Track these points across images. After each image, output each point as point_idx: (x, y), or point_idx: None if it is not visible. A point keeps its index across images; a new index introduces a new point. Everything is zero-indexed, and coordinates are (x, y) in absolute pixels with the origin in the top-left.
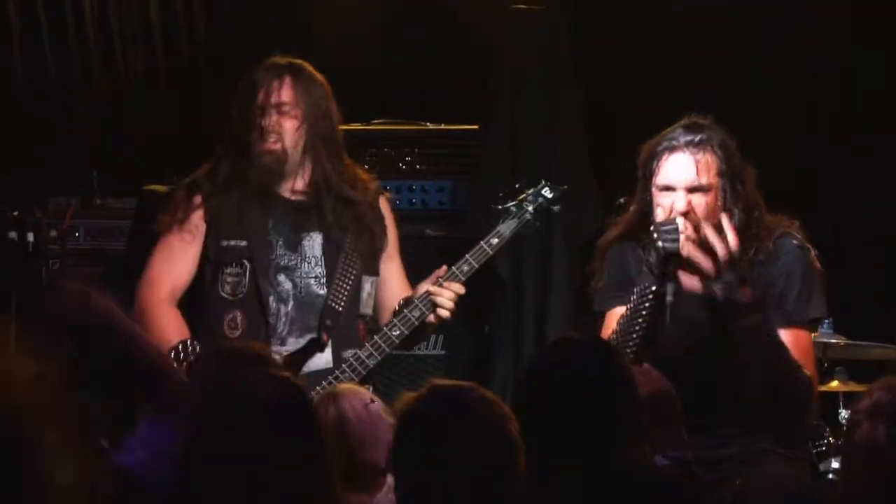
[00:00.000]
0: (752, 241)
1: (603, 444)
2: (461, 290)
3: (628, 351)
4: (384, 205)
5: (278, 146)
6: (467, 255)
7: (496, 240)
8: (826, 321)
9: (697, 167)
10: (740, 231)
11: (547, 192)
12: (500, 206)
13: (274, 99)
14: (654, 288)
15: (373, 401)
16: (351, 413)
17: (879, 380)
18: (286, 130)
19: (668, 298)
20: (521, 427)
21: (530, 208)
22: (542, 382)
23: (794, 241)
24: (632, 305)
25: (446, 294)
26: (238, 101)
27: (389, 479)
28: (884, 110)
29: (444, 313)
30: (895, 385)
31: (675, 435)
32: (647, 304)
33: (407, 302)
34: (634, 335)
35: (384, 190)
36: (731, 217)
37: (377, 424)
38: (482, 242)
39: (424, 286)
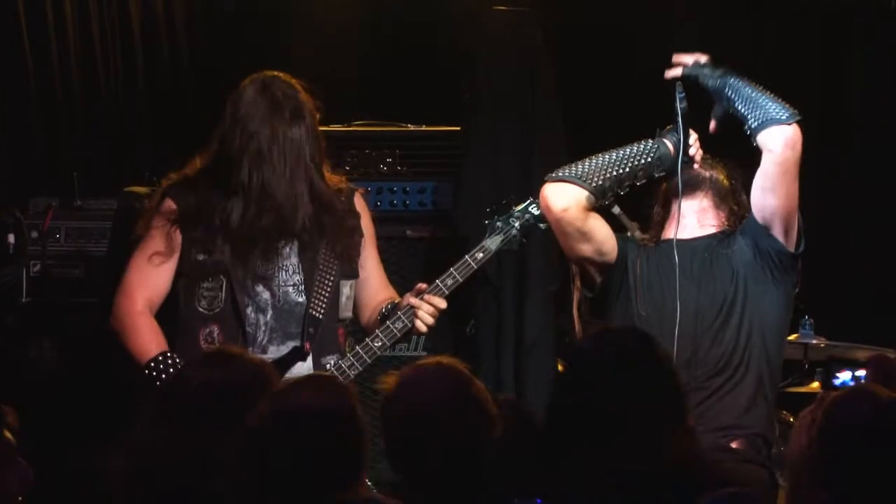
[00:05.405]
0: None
1: (648, 432)
2: (442, 304)
3: (599, 181)
4: (359, 201)
5: None
6: (452, 269)
7: (481, 254)
8: (807, 322)
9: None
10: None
11: (535, 209)
12: (486, 221)
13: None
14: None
15: None
16: None
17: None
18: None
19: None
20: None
21: (517, 224)
22: (585, 372)
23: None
24: (636, 149)
25: (426, 308)
26: (249, 132)
27: None
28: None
29: (423, 327)
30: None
31: None
32: (651, 155)
33: (390, 313)
34: (618, 171)
35: (358, 188)
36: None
37: None
38: (467, 256)
39: (408, 298)
